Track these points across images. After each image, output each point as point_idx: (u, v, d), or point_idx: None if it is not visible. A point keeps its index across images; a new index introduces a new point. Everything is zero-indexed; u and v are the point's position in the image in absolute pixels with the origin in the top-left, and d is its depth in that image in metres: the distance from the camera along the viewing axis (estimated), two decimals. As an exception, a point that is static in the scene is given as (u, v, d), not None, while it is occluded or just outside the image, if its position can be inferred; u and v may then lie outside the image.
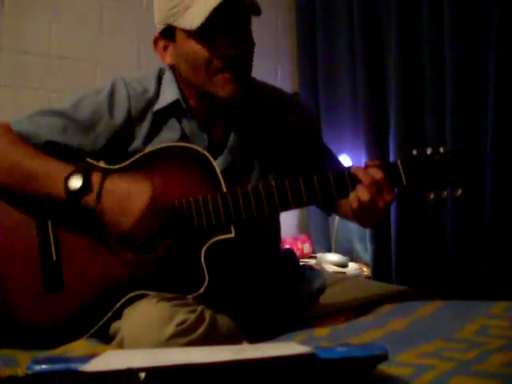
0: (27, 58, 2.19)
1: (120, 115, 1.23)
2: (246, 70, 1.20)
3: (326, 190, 1.15)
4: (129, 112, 1.23)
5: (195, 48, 1.16)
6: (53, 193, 1.13)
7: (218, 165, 1.18)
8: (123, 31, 2.41)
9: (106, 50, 2.37)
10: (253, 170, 1.29)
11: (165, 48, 1.23)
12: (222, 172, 1.17)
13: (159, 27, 1.21)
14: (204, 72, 1.17)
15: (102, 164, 1.23)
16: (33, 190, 1.15)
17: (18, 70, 2.18)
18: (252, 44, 1.21)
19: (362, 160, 2.39)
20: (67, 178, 1.11)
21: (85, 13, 2.33)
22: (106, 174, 1.13)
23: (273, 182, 1.16)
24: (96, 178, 1.11)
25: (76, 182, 1.10)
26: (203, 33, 1.14)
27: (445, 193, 1.17)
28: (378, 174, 1.12)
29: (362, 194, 1.12)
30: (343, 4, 2.57)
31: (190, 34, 1.15)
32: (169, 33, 1.20)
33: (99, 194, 1.10)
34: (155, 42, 1.24)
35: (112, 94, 1.24)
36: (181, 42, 1.18)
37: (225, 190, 1.16)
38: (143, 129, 1.24)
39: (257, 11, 1.16)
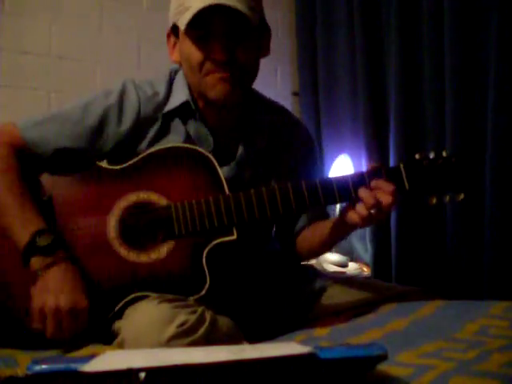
0: (27, 57, 2.19)
1: (129, 119, 1.23)
2: (238, 75, 1.19)
3: (328, 194, 1.15)
4: (138, 116, 1.24)
5: (191, 49, 1.18)
6: (17, 236, 1.13)
7: (223, 173, 1.18)
8: (123, 31, 2.41)
9: (106, 50, 2.37)
10: (259, 184, 1.28)
11: (174, 45, 1.26)
12: (226, 181, 1.17)
13: (170, 23, 1.23)
14: (198, 73, 1.19)
15: (105, 164, 1.23)
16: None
17: (17, 70, 2.18)
18: (252, 53, 1.21)
19: (362, 160, 2.38)
20: (40, 232, 1.11)
21: (85, 13, 2.33)
22: (71, 259, 1.13)
23: (275, 185, 1.16)
24: (63, 252, 1.12)
25: (45, 240, 1.11)
26: (199, 35, 1.17)
27: (447, 197, 1.16)
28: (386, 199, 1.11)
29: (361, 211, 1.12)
30: (343, 4, 2.57)
31: (187, 34, 1.18)
32: (175, 31, 1.23)
33: (52, 264, 1.10)
34: (168, 36, 1.27)
35: (122, 97, 1.24)
36: (181, 40, 1.21)
37: (227, 192, 1.16)
38: (152, 131, 1.25)
39: (253, 21, 1.16)
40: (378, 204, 1.10)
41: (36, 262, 1.11)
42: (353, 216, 1.13)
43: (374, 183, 1.13)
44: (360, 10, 2.42)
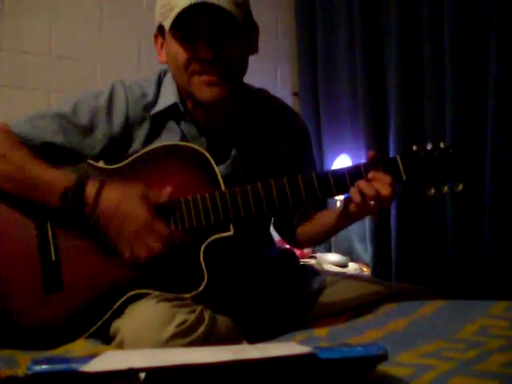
0: (27, 57, 2.20)
1: (118, 121, 1.23)
2: (226, 74, 1.18)
3: (325, 187, 1.16)
4: (127, 117, 1.24)
5: (177, 49, 1.18)
6: (51, 203, 1.13)
7: (220, 171, 1.18)
8: (123, 31, 2.42)
9: (106, 50, 2.37)
10: (254, 180, 1.28)
11: (161, 46, 1.25)
12: (223, 179, 1.17)
13: (156, 24, 1.23)
14: (184, 73, 1.19)
15: (101, 164, 1.23)
16: (31, 198, 1.15)
17: (17, 70, 2.18)
18: (239, 50, 1.20)
19: (362, 160, 2.38)
20: (64, 195, 1.11)
21: (85, 13, 2.34)
22: (101, 184, 1.12)
23: (272, 180, 1.16)
24: (91, 190, 1.11)
25: (72, 200, 1.11)
26: (184, 35, 1.16)
27: (445, 188, 1.17)
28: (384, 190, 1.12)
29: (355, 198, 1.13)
30: (343, 4, 2.58)
31: (173, 34, 1.17)
32: (162, 31, 1.22)
33: (94, 207, 1.10)
34: (155, 38, 1.26)
35: (111, 99, 1.24)
36: (167, 41, 1.21)
37: (223, 188, 1.16)
38: (142, 132, 1.25)
39: (239, 18, 1.15)
40: (377, 195, 1.11)
41: (85, 211, 1.11)
42: (354, 207, 1.14)
43: (371, 175, 1.13)
44: (360, 10, 2.42)
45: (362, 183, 1.13)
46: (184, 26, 1.15)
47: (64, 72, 2.26)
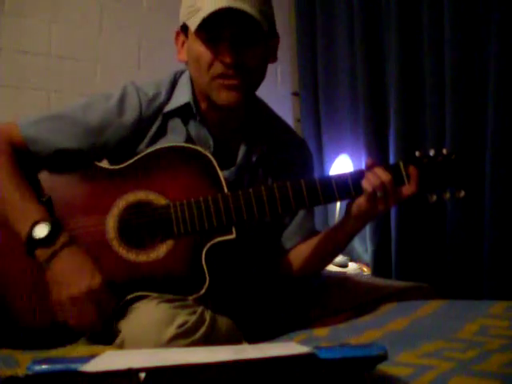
0: (27, 58, 2.20)
1: (129, 121, 1.23)
2: (246, 80, 1.19)
3: (327, 191, 1.16)
4: (139, 117, 1.24)
5: (200, 49, 1.18)
6: (17, 228, 1.11)
7: (224, 176, 1.18)
8: (123, 31, 2.42)
9: (106, 50, 2.37)
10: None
11: (182, 44, 1.26)
12: (226, 183, 1.17)
13: (180, 22, 1.23)
14: (206, 74, 1.19)
15: (104, 164, 1.23)
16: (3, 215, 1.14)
17: (18, 70, 2.18)
18: (260, 58, 1.21)
19: (362, 160, 2.39)
20: (36, 223, 1.10)
21: (85, 13, 2.34)
22: (72, 240, 1.11)
23: (274, 184, 1.16)
24: (63, 238, 1.10)
25: (41, 231, 1.09)
26: (209, 37, 1.17)
27: (447, 194, 1.17)
28: (385, 179, 1.12)
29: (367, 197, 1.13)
30: (343, 4, 2.57)
31: (197, 35, 1.18)
32: (185, 30, 1.23)
33: (54, 254, 1.09)
34: (176, 35, 1.27)
35: (122, 100, 1.24)
36: (190, 41, 1.21)
37: (226, 191, 1.16)
38: (152, 131, 1.25)
39: (263, 25, 1.16)
40: (382, 186, 1.11)
41: (40, 254, 1.10)
42: (362, 203, 1.14)
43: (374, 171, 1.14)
44: (360, 11, 2.42)
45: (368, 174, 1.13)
46: (210, 29, 1.15)
47: (64, 72, 2.26)
